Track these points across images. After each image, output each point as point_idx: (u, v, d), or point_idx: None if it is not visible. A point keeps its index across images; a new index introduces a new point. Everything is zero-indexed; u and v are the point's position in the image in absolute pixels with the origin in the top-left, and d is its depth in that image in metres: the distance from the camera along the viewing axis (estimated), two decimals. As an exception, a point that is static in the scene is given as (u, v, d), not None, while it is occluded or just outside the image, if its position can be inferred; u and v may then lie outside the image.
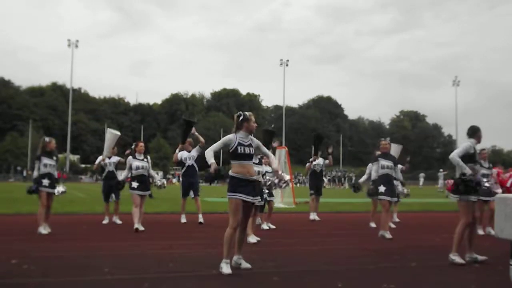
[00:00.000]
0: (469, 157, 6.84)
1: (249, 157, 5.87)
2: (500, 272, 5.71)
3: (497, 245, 6.35)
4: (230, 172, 5.85)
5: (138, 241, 8.57)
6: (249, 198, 5.81)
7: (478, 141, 7.02)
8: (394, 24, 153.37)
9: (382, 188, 9.18)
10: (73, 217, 12.65)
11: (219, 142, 5.93)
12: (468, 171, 6.65)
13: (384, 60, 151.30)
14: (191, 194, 11.67)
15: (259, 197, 6.11)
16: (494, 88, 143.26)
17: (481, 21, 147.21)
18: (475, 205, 6.85)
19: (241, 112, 5.99)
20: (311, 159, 13.08)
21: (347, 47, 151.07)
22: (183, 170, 11.78)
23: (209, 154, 5.78)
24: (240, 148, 5.80)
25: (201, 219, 11.40)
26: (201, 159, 11.35)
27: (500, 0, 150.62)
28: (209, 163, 5.76)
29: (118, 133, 10.97)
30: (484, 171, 10.25)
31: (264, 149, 6.18)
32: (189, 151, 11.61)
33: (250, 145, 5.89)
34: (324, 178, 13.84)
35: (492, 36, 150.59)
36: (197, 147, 11.45)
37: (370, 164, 10.94)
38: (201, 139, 11.23)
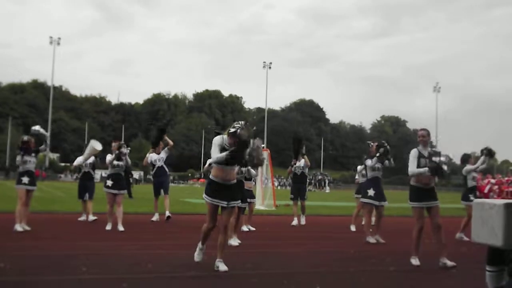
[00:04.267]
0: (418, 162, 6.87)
1: (230, 162, 5.82)
2: (477, 277, 5.78)
3: (474, 250, 6.45)
4: (210, 176, 5.98)
5: (117, 241, 8.51)
6: (223, 203, 5.90)
7: (422, 143, 7.01)
8: (376, 30, 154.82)
9: (371, 192, 9.18)
10: (52, 216, 12.51)
11: (213, 148, 5.84)
12: (424, 170, 6.74)
13: (365, 65, 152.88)
14: (163, 193, 12.37)
15: (236, 201, 6.07)
16: (474, 95, 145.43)
17: (461, 28, 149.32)
18: (432, 211, 6.82)
19: (240, 125, 5.75)
20: (292, 163, 12.90)
21: (329, 51, 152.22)
22: (153, 171, 12.47)
23: (219, 156, 5.72)
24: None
25: (168, 213, 11.89)
26: (170, 159, 12.47)
27: (480, 7, 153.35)
28: (224, 157, 5.67)
29: (100, 147, 11.00)
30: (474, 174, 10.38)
31: None
32: (159, 153, 12.20)
33: None
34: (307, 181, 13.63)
35: (473, 43, 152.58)
36: (166, 149, 12.12)
37: (359, 167, 11.15)
38: (170, 142, 12.17)
